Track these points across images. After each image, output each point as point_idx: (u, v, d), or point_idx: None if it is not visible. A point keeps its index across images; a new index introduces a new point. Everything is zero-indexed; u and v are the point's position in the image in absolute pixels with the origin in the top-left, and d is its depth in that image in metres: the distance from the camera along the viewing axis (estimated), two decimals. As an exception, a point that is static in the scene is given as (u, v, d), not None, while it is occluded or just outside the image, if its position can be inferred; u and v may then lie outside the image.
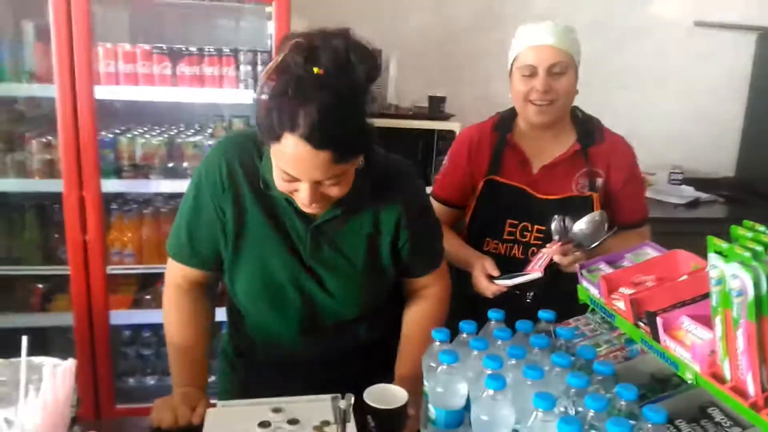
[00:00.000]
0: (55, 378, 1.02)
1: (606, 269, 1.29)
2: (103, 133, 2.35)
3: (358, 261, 1.36)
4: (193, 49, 2.34)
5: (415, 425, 1.20)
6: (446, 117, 3.02)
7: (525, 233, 1.76)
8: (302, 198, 1.20)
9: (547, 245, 1.62)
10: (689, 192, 3.42)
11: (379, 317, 1.47)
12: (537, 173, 1.78)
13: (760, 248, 0.85)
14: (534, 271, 1.57)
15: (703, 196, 3.40)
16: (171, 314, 1.43)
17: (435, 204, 1.91)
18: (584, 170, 1.77)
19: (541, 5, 3.39)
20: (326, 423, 1.13)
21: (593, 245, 1.60)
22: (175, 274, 1.42)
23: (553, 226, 1.63)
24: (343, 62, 1.12)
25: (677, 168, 3.64)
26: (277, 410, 1.18)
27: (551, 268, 1.60)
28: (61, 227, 2.37)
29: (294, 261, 1.34)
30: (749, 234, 0.91)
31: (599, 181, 1.77)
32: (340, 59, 1.11)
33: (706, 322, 0.97)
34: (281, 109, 1.10)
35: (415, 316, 1.49)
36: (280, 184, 1.22)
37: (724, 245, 0.87)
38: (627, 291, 1.15)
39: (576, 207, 1.69)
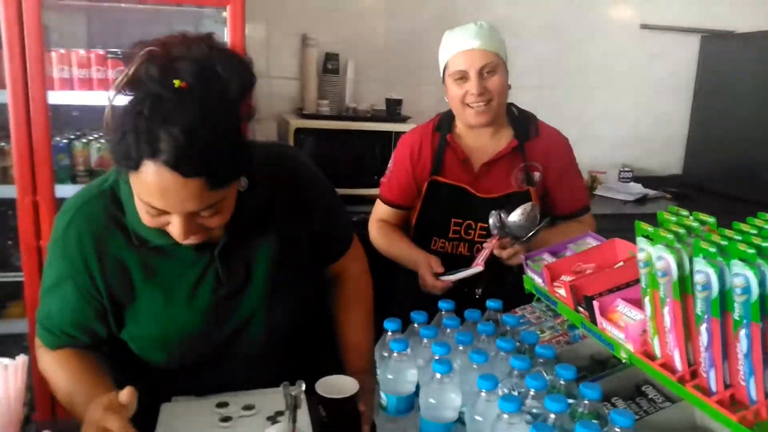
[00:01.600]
0: (6, 375, 1.02)
1: (549, 259, 1.35)
2: (57, 138, 2.33)
3: (278, 269, 1.26)
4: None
5: (370, 416, 1.22)
6: (403, 119, 3.07)
7: (469, 231, 1.83)
8: (176, 233, 1.05)
9: (487, 240, 1.69)
10: (638, 189, 3.52)
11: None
12: (477, 171, 1.84)
13: (683, 231, 0.91)
14: (476, 266, 1.65)
15: (651, 192, 3.51)
16: (56, 373, 1.19)
17: (382, 206, 1.96)
18: (521, 165, 1.83)
19: (496, 9, 3.47)
20: (279, 413, 1.15)
21: (528, 236, 1.68)
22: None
23: (491, 221, 1.70)
24: (209, 73, 0.98)
25: (627, 166, 3.76)
26: (226, 404, 1.19)
27: (495, 262, 1.66)
28: (14, 233, 2.35)
29: (208, 302, 1.20)
30: (674, 218, 0.97)
31: (536, 175, 1.84)
32: (204, 71, 0.97)
33: (639, 305, 1.03)
34: (137, 131, 0.93)
35: (346, 309, 1.48)
36: (146, 219, 1.05)
37: (650, 229, 0.92)
38: (568, 279, 1.20)
39: (515, 202, 1.75)
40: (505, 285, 1.62)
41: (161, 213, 1.02)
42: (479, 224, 1.81)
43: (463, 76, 1.74)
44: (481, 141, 1.85)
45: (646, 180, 3.72)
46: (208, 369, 1.26)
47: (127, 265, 1.16)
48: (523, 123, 1.88)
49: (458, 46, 1.74)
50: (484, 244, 1.70)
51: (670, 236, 0.89)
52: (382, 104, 3.16)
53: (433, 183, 1.85)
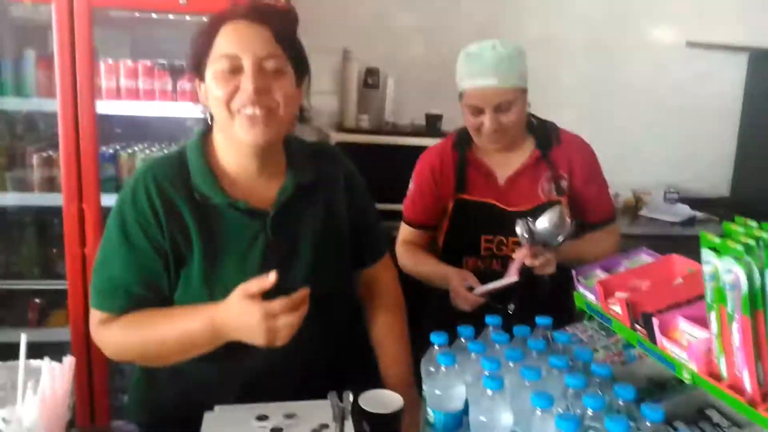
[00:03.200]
0: (53, 375, 1.02)
1: (601, 275, 1.30)
2: (103, 148, 2.37)
3: (322, 247, 1.32)
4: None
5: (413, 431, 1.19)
6: (443, 134, 3.03)
7: (502, 247, 1.78)
8: (246, 86, 1.17)
9: (516, 250, 1.63)
10: (685, 211, 3.43)
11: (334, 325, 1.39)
12: (503, 185, 1.79)
13: (752, 242, 0.86)
14: (510, 277, 1.59)
15: (698, 215, 3.42)
16: (134, 333, 1.23)
17: (407, 228, 1.93)
18: (547, 174, 1.78)
19: (538, 26, 3.45)
20: (324, 426, 1.12)
21: (560, 241, 1.61)
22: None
23: (518, 230, 1.62)
24: None
25: (672, 187, 3.67)
26: (269, 415, 1.16)
27: (526, 275, 1.61)
28: (59, 242, 2.38)
29: (256, 268, 1.23)
30: (741, 229, 0.93)
31: (564, 183, 1.79)
32: None
33: (702, 323, 0.98)
34: (212, 19, 1.20)
35: (383, 318, 1.47)
36: (221, 91, 1.18)
37: (716, 240, 0.88)
38: (623, 295, 1.16)
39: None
40: (537, 301, 1.55)
41: (234, 69, 1.17)
42: (511, 239, 1.75)
43: (479, 111, 1.69)
44: (501, 154, 1.80)
45: (693, 201, 3.62)
46: (243, 356, 1.24)
47: (187, 221, 1.23)
48: (543, 132, 1.82)
49: (473, 80, 1.68)
50: (514, 255, 1.64)
51: (739, 248, 0.85)
52: (421, 119, 3.15)
53: (459, 201, 1.80)
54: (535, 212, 1.70)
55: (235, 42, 1.17)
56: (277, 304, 1.10)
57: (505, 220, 1.74)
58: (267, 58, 1.18)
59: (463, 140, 1.84)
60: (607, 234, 1.86)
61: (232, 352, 1.21)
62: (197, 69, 1.23)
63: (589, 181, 1.82)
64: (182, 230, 1.23)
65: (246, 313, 1.11)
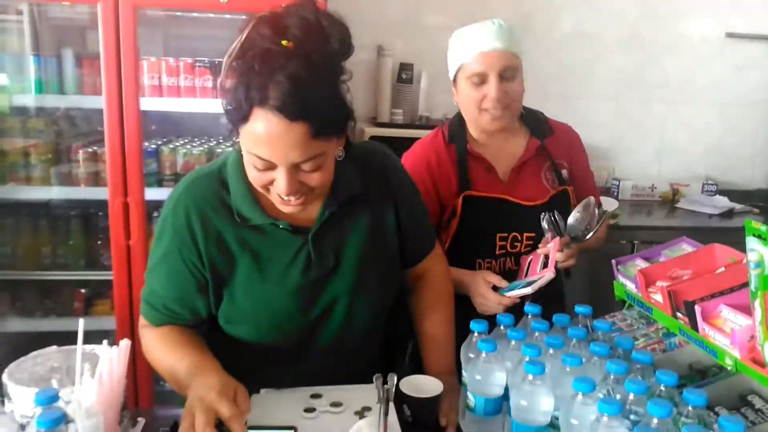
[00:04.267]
0: (110, 358, 1.06)
1: (642, 264, 1.31)
2: (145, 143, 2.43)
3: (367, 258, 1.29)
4: (234, 62, 2.41)
5: (454, 418, 1.21)
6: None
7: (515, 244, 1.69)
8: (280, 187, 1.09)
9: (546, 244, 1.55)
10: (723, 202, 3.38)
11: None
12: (507, 178, 1.71)
13: (798, 230, 0.86)
14: (548, 272, 1.49)
15: (737, 206, 3.36)
16: (158, 348, 1.25)
17: None
18: (548, 164, 1.73)
19: (573, 20, 3.43)
20: (367, 408, 1.15)
21: (589, 235, 1.56)
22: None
23: (544, 223, 1.58)
24: (315, 29, 1.06)
25: (711, 179, 3.62)
26: (317, 396, 1.21)
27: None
28: (104, 234, 2.46)
29: (299, 283, 1.24)
30: (787, 218, 0.92)
31: (564, 172, 1.74)
32: (310, 27, 1.05)
33: (745, 311, 0.99)
34: (249, 84, 1.02)
35: (431, 307, 1.46)
36: (254, 176, 1.12)
37: (762, 228, 0.88)
38: (664, 284, 1.16)
39: (558, 204, 1.66)
40: (548, 293, 1.51)
41: (268, 167, 1.08)
42: (525, 234, 1.68)
43: (481, 79, 1.60)
44: (497, 145, 1.71)
45: (731, 194, 3.56)
46: (290, 360, 1.29)
47: (227, 241, 1.22)
48: (534, 121, 1.76)
49: (477, 46, 1.59)
50: (540, 250, 1.55)
51: (785, 236, 0.85)
52: (454, 113, 3.15)
53: (468, 199, 1.66)
54: (551, 205, 1.66)
55: (267, 146, 1.05)
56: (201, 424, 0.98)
57: (520, 215, 1.67)
58: (303, 162, 1.08)
59: (456, 134, 1.72)
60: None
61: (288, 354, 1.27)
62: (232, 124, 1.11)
63: (583, 168, 1.81)
64: (223, 251, 1.22)
65: (197, 399, 1.02)
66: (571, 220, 1.57)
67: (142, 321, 1.32)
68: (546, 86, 3.36)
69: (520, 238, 1.68)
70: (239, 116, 1.05)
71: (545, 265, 1.52)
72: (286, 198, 1.12)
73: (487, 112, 1.62)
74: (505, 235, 1.68)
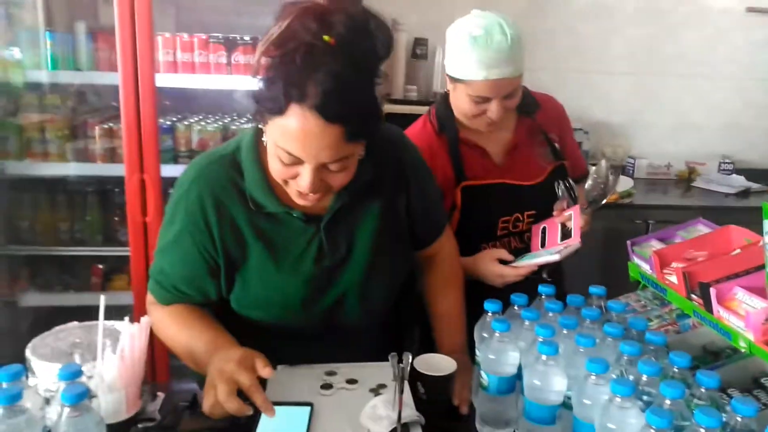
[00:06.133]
0: (132, 335, 1.08)
1: (657, 245, 1.31)
2: (160, 120, 2.44)
3: (379, 244, 1.29)
4: (247, 38, 2.40)
5: (467, 396, 1.23)
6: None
7: (518, 224, 1.69)
8: (302, 184, 1.08)
9: (560, 211, 1.54)
10: (740, 182, 3.34)
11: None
12: (502, 161, 1.69)
13: (816, 214, 0.86)
14: (574, 241, 1.47)
15: (753, 186, 3.32)
16: (170, 326, 1.27)
17: None
18: (539, 139, 1.71)
19: (588, -5, 3.37)
20: (382, 386, 1.17)
21: (605, 199, 1.56)
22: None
23: (560, 192, 1.58)
24: (362, 30, 1.03)
25: (727, 158, 3.57)
26: (332, 373, 1.23)
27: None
28: (120, 210, 2.48)
29: (311, 271, 1.25)
30: (805, 202, 0.92)
31: (557, 146, 1.73)
32: (357, 25, 1.02)
33: (761, 293, 0.99)
34: (288, 78, 0.99)
35: (443, 287, 1.48)
36: (277, 169, 1.10)
37: (780, 212, 0.88)
38: (680, 265, 1.16)
39: (555, 179, 1.67)
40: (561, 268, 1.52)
41: (294, 162, 1.06)
42: (526, 213, 1.68)
43: (484, 100, 1.55)
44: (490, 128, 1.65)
45: (748, 173, 3.52)
46: (302, 343, 1.29)
47: (241, 227, 1.22)
48: (522, 98, 1.67)
49: (487, 70, 1.49)
50: (559, 217, 1.53)
51: (804, 220, 0.85)
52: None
53: (466, 189, 1.63)
54: (551, 178, 1.67)
55: (299, 144, 1.03)
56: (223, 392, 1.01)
57: (520, 195, 1.66)
58: (331, 163, 1.07)
59: (446, 122, 1.67)
60: (581, 188, 1.77)
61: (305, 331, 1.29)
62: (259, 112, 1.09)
63: (570, 138, 1.81)
64: (236, 237, 1.22)
65: (216, 371, 1.05)
66: (588, 185, 1.58)
67: (149, 298, 1.33)
68: (563, 62, 3.33)
69: (522, 218, 1.69)
70: (274, 109, 1.02)
71: (564, 234, 1.51)
72: (305, 193, 1.12)
73: (488, 124, 1.59)
74: (508, 218, 1.68)
